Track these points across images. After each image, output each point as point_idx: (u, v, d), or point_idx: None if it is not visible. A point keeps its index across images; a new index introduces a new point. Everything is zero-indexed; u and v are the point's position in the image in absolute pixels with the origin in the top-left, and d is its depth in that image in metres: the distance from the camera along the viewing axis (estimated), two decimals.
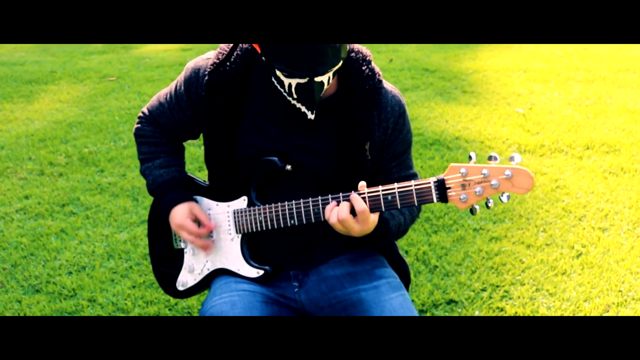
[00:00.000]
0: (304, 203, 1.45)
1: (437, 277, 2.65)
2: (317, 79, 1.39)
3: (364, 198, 1.38)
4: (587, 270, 2.66)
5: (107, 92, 5.60)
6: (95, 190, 3.54)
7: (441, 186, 1.31)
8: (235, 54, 1.55)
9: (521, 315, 2.41)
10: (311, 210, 1.45)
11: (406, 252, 2.83)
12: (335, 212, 1.39)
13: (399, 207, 1.36)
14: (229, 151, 1.54)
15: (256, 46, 1.45)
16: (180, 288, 1.69)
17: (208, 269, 1.63)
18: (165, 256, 1.71)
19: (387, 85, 1.58)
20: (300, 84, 1.40)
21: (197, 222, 1.59)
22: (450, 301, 2.50)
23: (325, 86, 1.43)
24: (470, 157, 1.30)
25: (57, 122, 4.75)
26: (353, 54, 1.54)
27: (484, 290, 2.57)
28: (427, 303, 2.49)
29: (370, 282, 1.56)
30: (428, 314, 2.44)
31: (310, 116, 1.46)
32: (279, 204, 1.48)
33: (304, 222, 1.46)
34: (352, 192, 1.40)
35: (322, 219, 1.44)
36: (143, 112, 1.69)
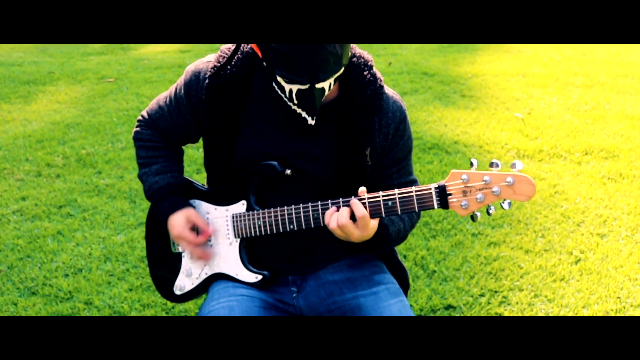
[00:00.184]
0: (303, 208, 1.44)
1: (436, 282, 2.64)
2: (318, 85, 1.39)
3: (364, 204, 1.37)
4: (585, 277, 2.65)
5: (105, 93, 5.59)
6: (92, 192, 3.53)
7: (442, 192, 1.31)
8: (236, 58, 1.54)
9: None
10: (310, 216, 1.44)
11: (404, 256, 2.83)
12: (335, 218, 1.38)
13: (400, 213, 1.35)
14: (229, 155, 1.53)
15: (257, 50, 1.44)
16: (177, 292, 1.68)
17: (206, 274, 1.62)
18: (162, 260, 1.70)
19: (388, 90, 1.57)
20: (301, 90, 1.39)
21: (196, 228, 1.58)
22: (449, 306, 2.49)
23: (326, 92, 1.42)
24: (471, 164, 1.29)
25: (54, 123, 4.73)
26: (355, 59, 1.53)
27: (482, 295, 2.56)
28: (425, 308, 2.48)
29: (369, 287, 1.55)
30: None
31: (311, 122, 1.45)
32: (278, 208, 1.48)
33: (304, 227, 1.45)
34: (352, 197, 1.39)
35: (322, 225, 1.43)
36: (142, 116, 1.68)
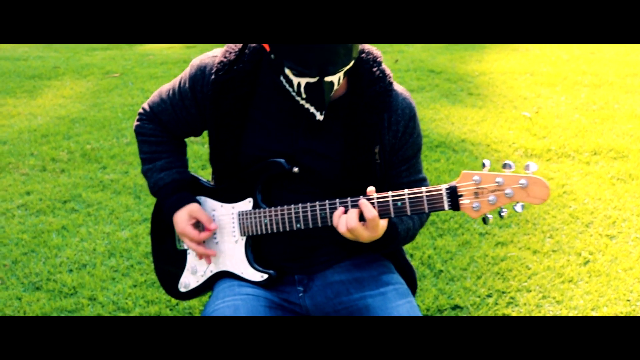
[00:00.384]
0: (310, 207, 1.42)
1: (442, 281, 2.61)
2: (327, 78, 1.36)
3: (372, 204, 1.34)
4: (594, 278, 2.62)
5: (111, 88, 5.57)
6: (97, 187, 3.51)
7: (453, 193, 1.28)
8: (243, 53, 1.51)
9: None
10: (318, 215, 1.41)
11: (411, 255, 2.80)
12: (344, 221, 1.36)
13: (409, 213, 1.32)
14: (235, 152, 1.51)
15: (265, 44, 1.41)
16: (182, 289, 1.66)
17: (211, 271, 1.60)
18: (168, 257, 1.68)
19: (398, 87, 1.55)
20: (310, 83, 1.36)
21: (200, 225, 1.56)
22: (455, 307, 2.47)
23: (335, 86, 1.39)
24: (483, 165, 1.26)
25: (59, 118, 4.72)
26: (364, 55, 1.50)
27: (489, 296, 2.53)
28: (432, 308, 2.45)
29: (377, 288, 1.52)
30: None
31: (319, 117, 1.42)
32: (285, 207, 1.45)
33: (311, 226, 1.43)
34: (361, 197, 1.36)
35: (329, 224, 1.40)
36: (144, 109, 1.65)
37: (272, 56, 1.39)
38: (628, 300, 2.48)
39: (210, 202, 1.58)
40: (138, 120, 1.67)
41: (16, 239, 2.98)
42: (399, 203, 1.32)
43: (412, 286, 1.66)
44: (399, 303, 1.48)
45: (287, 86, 1.41)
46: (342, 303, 1.54)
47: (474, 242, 2.89)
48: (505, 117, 4.53)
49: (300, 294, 1.57)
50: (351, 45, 1.36)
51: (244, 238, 1.54)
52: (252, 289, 1.53)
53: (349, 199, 1.38)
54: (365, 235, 1.36)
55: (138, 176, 3.62)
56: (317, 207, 1.41)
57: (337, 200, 1.39)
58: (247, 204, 1.52)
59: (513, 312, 2.43)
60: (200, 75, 1.54)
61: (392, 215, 1.34)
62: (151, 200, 3.28)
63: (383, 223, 1.36)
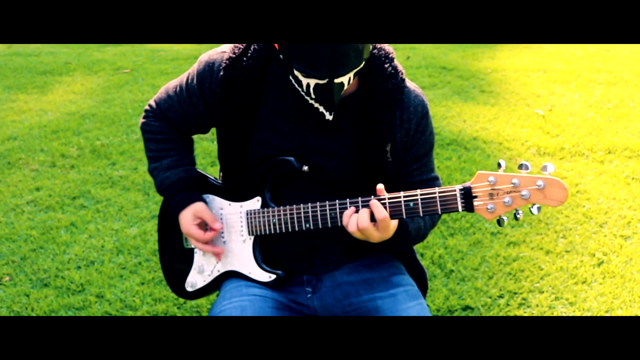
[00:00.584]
0: (320, 207, 1.39)
1: (453, 282, 2.58)
2: (337, 80, 1.33)
3: (384, 204, 1.31)
4: (608, 280, 2.57)
5: (121, 84, 5.57)
6: (106, 183, 3.50)
7: (467, 194, 1.24)
8: (252, 49, 1.48)
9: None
10: (328, 215, 1.38)
11: (421, 255, 2.76)
12: (355, 221, 1.32)
13: (421, 214, 1.29)
14: (243, 150, 1.48)
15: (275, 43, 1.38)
16: (189, 289, 1.64)
17: (218, 271, 1.58)
18: (174, 255, 1.66)
19: (410, 84, 1.51)
20: (319, 84, 1.33)
21: (206, 223, 1.54)
22: (466, 307, 2.43)
23: (345, 86, 1.36)
24: (499, 165, 1.22)
25: (70, 114, 4.72)
26: (375, 51, 1.47)
27: (501, 297, 2.49)
28: (443, 309, 2.42)
29: (387, 289, 1.49)
30: None
31: (329, 117, 1.39)
32: (294, 206, 1.42)
33: (320, 226, 1.40)
34: (372, 197, 1.33)
35: (339, 224, 1.37)
36: (150, 105, 1.63)
37: (281, 56, 1.36)
38: None
39: (218, 201, 1.56)
40: (144, 118, 1.63)
41: (25, 235, 2.97)
42: (411, 204, 1.29)
43: (423, 287, 1.63)
44: (410, 305, 1.45)
45: (296, 86, 1.38)
46: (352, 304, 1.51)
47: (485, 242, 2.84)
48: (518, 115, 4.47)
49: (309, 295, 1.54)
50: (362, 47, 1.32)
51: (252, 237, 1.51)
52: (260, 289, 1.50)
53: (359, 198, 1.35)
54: (376, 235, 1.33)
55: (147, 173, 3.60)
56: (327, 207, 1.38)
57: (348, 200, 1.36)
58: (255, 203, 1.49)
59: (525, 313, 2.38)
60: (208, 71, 1.51)
61: (404, 216, 1.31)
62: (160, 197, 3.26)
63: (394, 223, 1.33)
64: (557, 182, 1.16)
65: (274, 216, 1.45)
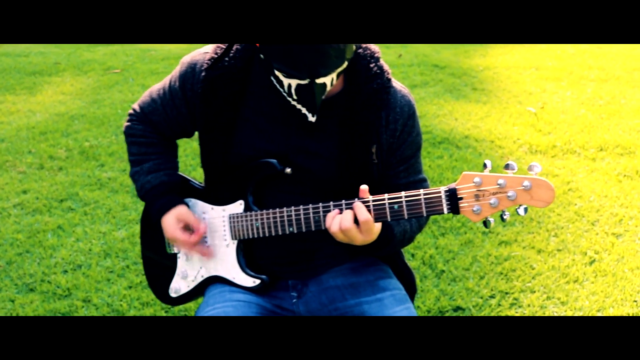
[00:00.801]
0: (303, 210, 1.36)
1: (444, 282, 2.55)
2: (319, 80, 1.30)
3: (368, 207, 1.28)
4: (600, 279, 2.55)
5: (111, 84, 5.52)
6: (94, 185, 3.47)
7: (452, 196, 1.21)
8: (234, 49, 1.45)
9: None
10: (311, 218, 1.35)
11: (412, 255, 2.74)
12: (338, 221, 1.29)
13: (406, 217, 1.26)
14: (226, 151, 1.45)
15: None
16: (173, 295, 1.60)
17: (202, 276, 1.55)
18: (157, 261, 1.63)
19: (397, 84, 1.48)
20: (301, 85, 1.30)
21: (190, 227, 1.51)
22: (457, 308, 2.41)
23: (328, 87, 1.33)
24: (484, 165, 1.20)
25: (59, 115, 4.67)
26: (361, 50, 1.44)
27: (492, 297, 2.47)
28: (433, 310, 2.39)
29: (374, 294, 1.46)
30: None
31: (311, 119, 1.36)
32: (277, 210, 1.39)
33: (304, 229, 1.37)
34: (356, 199, 1.30)
35: (323, 227, 1.34)
36: (134, 109, 1.60)
37: (262, 56, 1.33)
38: (635, 301, 2.41)
39: (200, 205, 1.53)
40: (128, 121, 1.61)
41: (11, 239, 2.93)
42: (396, 206, 1.26)
43: (411, 291, 1.60)
44: (396, 309, 1.42)
45: (277, 86, 1.35)
46: (337, 309, 1.48)
47: (476, 242, 2.82)
48: (509, 113, 4.45)
49: (294, 300, 1.51)
50: (344, 46, 1.30)
51: (236, 242, 1.48)
52: (244, 294, 1.47)
53: (343, 201, 1.32)
54: (359, 238, 1.30)
55: None
56: (311, 210, 1.35)
57: (331, 202, 1.33)
58: (238, 207, 1.46)
59: (516, 313, 2.36)
60: (190, 72, 1.48)
61: (389, 218, 1.28)
62: None
63: (377, 226, 1.30)
64: (543, 183, 1.14)
65: (256, 220, 1.42)
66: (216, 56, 1.45)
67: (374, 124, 1.42)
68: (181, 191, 1.55)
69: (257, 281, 1.47)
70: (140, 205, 3.22)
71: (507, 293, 2.49)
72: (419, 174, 1.52)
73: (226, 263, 1.50)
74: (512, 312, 2.37)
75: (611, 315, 2.34)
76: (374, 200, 1.28)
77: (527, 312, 2.37)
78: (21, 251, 2.84)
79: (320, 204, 1.34)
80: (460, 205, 1.21)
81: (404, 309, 1.43)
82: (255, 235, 1.44)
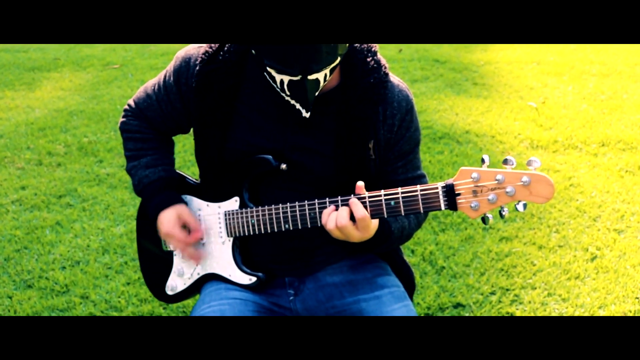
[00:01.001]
0: (299, 206, 1.34)
1: (444, 278, 2.53)
2: (311, 76, 1.27)
3: (364, 203, 1.26)
4: (602, 275, 2.53)
5: (110, 80, 5.50)
6: (93, 181, 3.45)
7: (450, 192, 1.19)
8: (229, 44, 1.43)
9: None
10: (307, 215, 1.33)
11: (412, 251, 2.72)
12: (334, 218, 1.27)
13: (403, 213, 1.24)
14: (220, 148, 1.43)
15: None
16: (169, 292, 1.59)
17: (198, 274, 1.53)
18: (153, 259, 1.61)
19: (394, 78, 1.46)
20: (293, 81, 1.28)
21: (186, 227, 1.49)
22: (458, 305, 2.39)
23: (322, 83, 1.31)
24: (483, 160, 1.17)
25: (57, 111, 4.65)
26: (357, 44, 1.42)
27: (493, 293, 2.45)
28: (433, 306, 2.37)
29: (372, 291, 1.44)
30: None
31: (305, 115, 1.34)
32: (273, 206, 1.37)
33: (299, 226, 1.35)
34: (352, 196, 1.28)
35: (319, 225, 1.32)
36: (129, 105, 1.58)
37: (253, 52, 1.31)
38: (637, 298, 2.39)
39: (196, 202, 1.51)
40: (123, 117, 1.59)
41: (9, 236, 2.92)
42: (392, 202, 1.24)
43: (410, 288, 1.58)
44: (395, 307, 1.40)
45: (270, 82, 1.33)
46: (335, 307, 1.46)
47: (477, 237, 2.80)
48: (510, 108, 4.42)
49: (291, 298, 1.49)
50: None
51: (232, 239, 1.46)
52: (240, 292, 1.46)
53: (339, 197, 1.30)
54: (356, 235, 1.28)
55: None
56: (307, 207, 1.33)
57: (327, 199, 1.31)
58: (233, 203, 1.44)
59: (517, 310, 2.34)
60: (185, 67, 1.46)
61: (385, 215, 1.26)
62: None
63: (375, 222, 1.28)
64: (543, 178, 1.11)
65: (252, 217, 1.40)
66: (211, 50, 1.43)
67: (371, 119, 1.40)
68: (177, 188, 1.53)
69: (254, 279, 1.45)
70: (139, 201, 3.19)
71: (507, 289, 2.47)
72: (417, 170, 1.49)
73: (222, 260, 1.48)
74: (512, 309, 2.35)
75: (613, 311, 2.32)
76: (370, 197, 1.26)
77: (527, 309, 2.35)
78: (19, 247, 2.82)
79: (316, 200, 1.32)
80: (458, 201, 1.18)
81: (403, 306, 1.41)
82: (251, 232, 1.42)
